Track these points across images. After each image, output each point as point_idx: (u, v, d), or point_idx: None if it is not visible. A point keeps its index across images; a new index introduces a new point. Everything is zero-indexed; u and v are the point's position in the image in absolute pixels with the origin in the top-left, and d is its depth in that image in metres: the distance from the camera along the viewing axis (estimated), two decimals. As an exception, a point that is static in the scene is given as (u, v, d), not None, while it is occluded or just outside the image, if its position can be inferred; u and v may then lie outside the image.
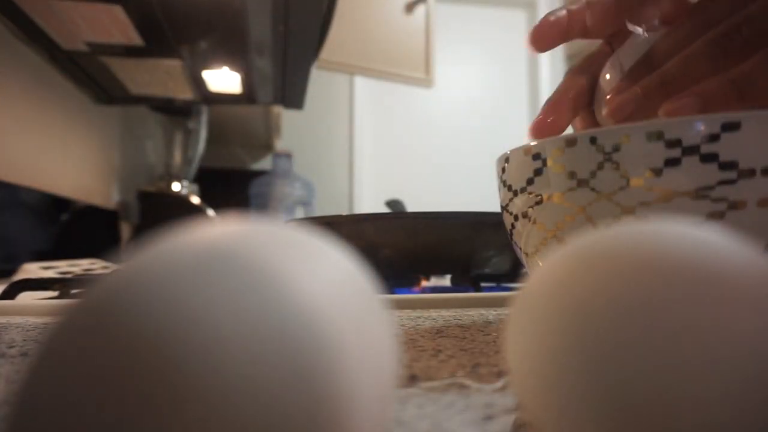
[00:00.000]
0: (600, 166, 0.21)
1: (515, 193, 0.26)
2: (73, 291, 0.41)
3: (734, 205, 0.20)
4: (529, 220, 0.25)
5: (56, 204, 0.98)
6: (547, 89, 2.40)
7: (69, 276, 0.58)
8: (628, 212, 0.21)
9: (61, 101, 1.00)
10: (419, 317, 0.32)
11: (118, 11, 0.71)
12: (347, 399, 0.08)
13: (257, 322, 0.08)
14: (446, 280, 0.56)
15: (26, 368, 0.08)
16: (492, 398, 0.16)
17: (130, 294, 0.08)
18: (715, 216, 0.20)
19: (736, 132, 0.19)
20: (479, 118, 2.37)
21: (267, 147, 1.91)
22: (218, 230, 0.09)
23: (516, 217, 0.26)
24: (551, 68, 2.37)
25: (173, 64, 0.91)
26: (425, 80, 1.92)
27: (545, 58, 2.38)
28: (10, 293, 0.40)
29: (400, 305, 0.37)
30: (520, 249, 0.27)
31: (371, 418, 0.09)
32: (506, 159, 0.26)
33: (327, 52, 1.05)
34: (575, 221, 0.23)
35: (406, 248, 0.45)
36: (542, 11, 2.30)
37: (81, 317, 0.08)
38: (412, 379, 0.18)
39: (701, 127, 0.20)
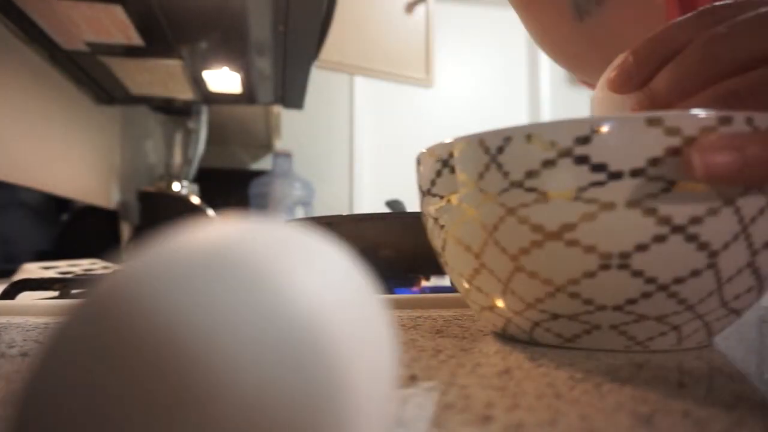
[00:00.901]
0: (487, 168, 0.21)
1: (423, 194, 0.26)
2: (73, 291, 0.41)
3: (605, 207, 0.20)
4: (436, 222, 0.25)
5: (56, 204, 0.98)
6: (547, 90, 2.40)
7: (69, 276, 0.58)
8: (512, 214, 0.21)
9: (61, 101, 1.00)
10: (419, 317, 0.32)
11: (118, 11, 0.71)
12: (347, 399, 0.08)
13: (257, 322, 0.08)
14: (446, 280, 0.56)
15: (26, 368, 0.08)
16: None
17: (131, 294, 0.08)
18: (589, 217, 0.20)
19: (605, 134, 0.19)
20: (479, 118, 2.36)
21: (267, 147, 1.91)
22: (218, 230, 0.09)
23: (427, 219, 0.26)
24: (551, 68, 2.37)
25: (173, 64, 0.91)
26: (425, 80, 1.91)
27: (545, 57, 2.37)
28: (10, 293, 0.40)
29: (400, 305, 0.37)
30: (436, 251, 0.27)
31: (372, 418, 0.09)
32: (418, 161, 0.26)
33: (327, 52, 1.05)
34: (469, 223, 0.23)
35: (406, 248, 0.45)
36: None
37: (81, 317, 0.08)
38: (412, 379, 0.18)
39: (573, 129, 0.20)
